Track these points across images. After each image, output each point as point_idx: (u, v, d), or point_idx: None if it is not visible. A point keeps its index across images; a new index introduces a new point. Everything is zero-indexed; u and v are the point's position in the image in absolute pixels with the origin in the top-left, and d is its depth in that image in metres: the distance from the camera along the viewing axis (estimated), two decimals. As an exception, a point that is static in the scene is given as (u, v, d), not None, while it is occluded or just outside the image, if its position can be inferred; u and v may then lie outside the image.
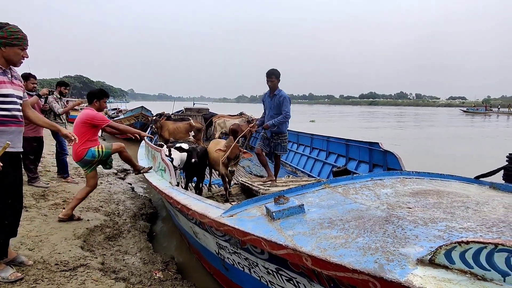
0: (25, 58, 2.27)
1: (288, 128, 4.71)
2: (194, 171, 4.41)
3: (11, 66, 2.24)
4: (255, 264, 1.83)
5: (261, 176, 6.21)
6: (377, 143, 4.32)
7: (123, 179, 6.60)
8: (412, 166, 3.90)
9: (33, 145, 4.54)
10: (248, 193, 4.72)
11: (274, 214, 1.48)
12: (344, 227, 1.30)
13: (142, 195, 5.40)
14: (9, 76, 2.19)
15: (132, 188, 5.80)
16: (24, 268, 2.42)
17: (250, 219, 1.59)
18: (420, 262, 0.96)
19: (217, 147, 4.27)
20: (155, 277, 2.89)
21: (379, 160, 4.23)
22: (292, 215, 1.50)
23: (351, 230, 1.27)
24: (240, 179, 5.53)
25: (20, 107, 2.26)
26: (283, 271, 1.59)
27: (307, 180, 4.75)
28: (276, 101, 4.42)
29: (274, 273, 1.67)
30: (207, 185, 5.03)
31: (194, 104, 15.24)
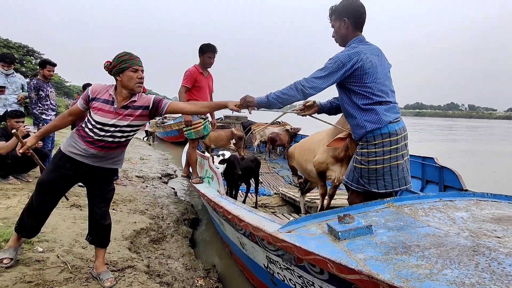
0: (142, 81, 2.14)
1: None
2: (236, 180, 4.38)
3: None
4: (311, 283, 1.73)
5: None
6: (432, 158, 4.03)
7: (166, 183, 6.81)
8: (472, 185, 3.58)
9: None
10: (290, 205, 4.63)
11: (339, 234, 1.38)
12: (424, 255, 1.18)
13: (184, 200, 5.50)
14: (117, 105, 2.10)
15: (175, 193, 5.94)
16: (77, 266, 2.52)
17: (311, 237, 1.51)
18: (537, 307, 0.82)
19: (326, 138, 3.01)
20: (197, 284, 2.89)
21: (434, 177, 3.94)
22: (359, 236, 1.39)
23: (434, 259, 1.14)
24: (280, 189, 5.45)
25: (118, 136, 2.16)
26: (344, 295, 1.48)
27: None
28: None
29: (333, 296, 1.56)
30: (245, 193, 4.90)
31: (233, 112, 15.44)
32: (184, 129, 3.85)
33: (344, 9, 2.20)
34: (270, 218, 1.93)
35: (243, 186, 4.98)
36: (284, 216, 3.61)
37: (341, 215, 1.47)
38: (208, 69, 3.95)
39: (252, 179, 4.68)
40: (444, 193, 1.95)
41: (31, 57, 25.44)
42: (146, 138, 14.88)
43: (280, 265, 2.00)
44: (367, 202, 1.81)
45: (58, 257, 2.54)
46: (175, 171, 7.94)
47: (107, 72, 2.18)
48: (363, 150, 2.17)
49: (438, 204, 1.79)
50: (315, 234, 1.53)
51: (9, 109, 4.19)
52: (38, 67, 4.81)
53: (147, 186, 5.91)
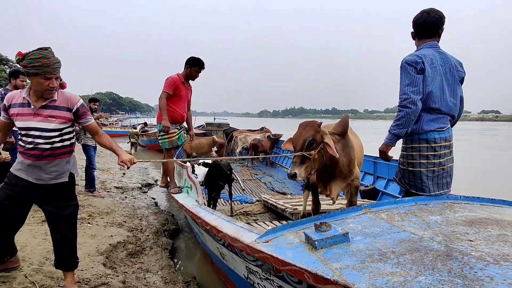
0: (53, 89, 2.00)
1: None
2: (216, 187, 4.29)
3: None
4: (290, 293, 1.70)
5: (284, 193, 6.06)
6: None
7: (146, 193, 6.63)
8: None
9: None
10: (272, 212, 4.59)
11: (316, 243, 1.36)
12: (399, 262, 1.17)
13: (165, 210, 5.37)
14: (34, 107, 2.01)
15: (156, 203, 5.79)
16: (46, 286, 2.38)
17: (288, 246, 1.47)
18: (507, 312, 0.82)
19: None
20: (176, 297, 2.80)
21: None
22: (336, 244, 1.37)
23: (408, 265, 1.13)
24: (262, 196, 5.42)
25: (46, 140, 2.03)
26: (323, 305, 1.45)
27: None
28: None
29: (312, 306, 1.53)
30: (229, 201, 4.83)
31: (214, 119, 15.39)
32: (159, 138, 3.78)
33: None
34: (248, 228, 1.88)
35: (225, 194, 4.90)
36: (265, 224, 3.56)
37: (317, 223, 1.45)
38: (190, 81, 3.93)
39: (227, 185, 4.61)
40: (419, 197, 1.97)
41: (5, 66, 24.50)
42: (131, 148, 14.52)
43: (260, 275, 1.96)
44: (344, 209, 1.80)
45: (26, 276, 2.40)
46: (156, 181, 7.76)
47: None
48: (403, 152, 2.33)
49: (414, 208, 1.81)
50: (293, 243, 1.50)
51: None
52: (9, 77, 4.60)
53: (126, 197, 5.74)
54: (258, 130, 10.96)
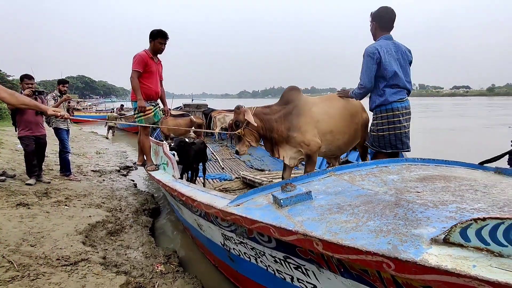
0: None
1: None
2: (190, 165, 4.29)
3: None
4: (262, 253, 1.82)
5: (262, 170, 6.20)
6: None
7: (125, 175, 6.59)
8: (417, 155, 3.89)
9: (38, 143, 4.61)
10: (251, 187, 4.72)
11: (281, 201, 1.47)
12: (354, 212, 1.29)
13: (144, 191, 5.38)
14: None
15: (135, 185, 5.79)
16: (25, 264, 2.40)
17: (257, 208, 1.58)
18: (434, 241, 0.95)
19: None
20: (157, 270, 2.89)
21: None
22: (300, 202, 1.48)
23: (361, 214, 1.26)
24: (241, 173, 5.52)
25: None
26: (291, 259, 1.58)
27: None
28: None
29: (282, 262, 1.66)
30: (202, 178, 4.87)
31: (192, 100, 15.17)
32: (136, 116, 3.75)
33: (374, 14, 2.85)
34: (222, 196, 1.97)
35: (212, 173, 4.95)
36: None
37: (283, 185, 1.55)
38: (158, 55, 3.85)
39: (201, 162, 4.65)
40: (381, 160, 2.12)
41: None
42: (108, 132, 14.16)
43: (234, 240, 2.07)
44: (310, 173, 1.92)
45: (3, 257, 2.41)
46: (134, 163, 7.70)
47: None
48: (375, 121, 2.83)
49: (375, 170, 1.95)
50: (262, 205, 1.61)
51: None
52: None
53: (104, 180, 5.69)
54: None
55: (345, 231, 1.14)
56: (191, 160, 4.08)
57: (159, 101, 3.94)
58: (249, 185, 4.84)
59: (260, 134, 3.15)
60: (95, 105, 34.18)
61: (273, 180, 3.95)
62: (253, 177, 4.56)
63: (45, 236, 2.98)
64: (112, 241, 3.32)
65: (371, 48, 2.70)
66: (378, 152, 2.86)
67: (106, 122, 14.36)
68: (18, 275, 2.20)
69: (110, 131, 14.08)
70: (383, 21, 2.80)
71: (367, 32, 3.01)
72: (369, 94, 2.89)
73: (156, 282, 2.59)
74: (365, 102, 3.14)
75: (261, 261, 1.90)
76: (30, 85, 4.66)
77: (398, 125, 2.73)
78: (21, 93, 4.54)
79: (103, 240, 3.25)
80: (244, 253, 2.06)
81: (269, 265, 1.84)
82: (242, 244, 2.00)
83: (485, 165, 2.12)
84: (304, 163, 3.23)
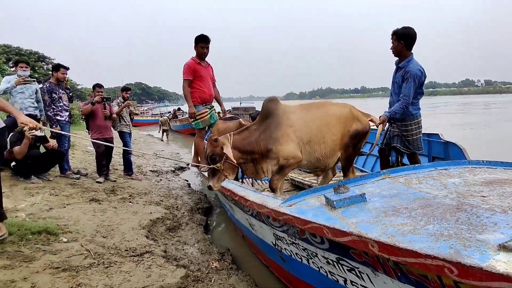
0: None
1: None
2: None
3: None
4: (314, 254, 1.84)
5: (311, 172, 6.16)
6: (437, 134, 4.04)
7: (179, 176, 7.01)
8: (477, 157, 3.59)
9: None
10: (299, 189, 4.73)
11: (334, 203, 1.48)
12: (411, 215, 1.26)
13: (197, 191, 5.68)
14: None
15: (189, 185, 6.13)
16: (99, 253, 2.70)
17: (309, 209, 1.61)
18: (503, 248, 0.90)
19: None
20: (212, 266, 3.05)
21: (440, 153, 3.96)
22: (353, 204, 1.49)
23: (419, 217, 1.23)
24: (289, 175, 5.55)
25: None
26: (344, 261, 1.59)
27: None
28: (400, 76, 3.17)
29: (335, 263, 1.67)
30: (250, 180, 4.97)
31: (240, 103, 15.58)
32: (192, 121, 3.99)
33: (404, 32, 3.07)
34: (273, 196, 2.04)
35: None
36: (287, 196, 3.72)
37: (336, 186, 1.56)
38: (206, 59, 4.05)
39: None
40: (440, 163, 2.01)
41: (42, 63, 26.09)
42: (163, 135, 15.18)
43: (286, 240, 2.12)
44: (363, 175, 1.90)
45: (82, 245, 2.74)
46: (187, 164, 8.13)
47: None
48: (404, 128, 3.25)
49: (433, 172, 1.86)
50: (314, 206, 1.64)
51: (25, 113, 4.40)
52: (51, 71, 5.04)
53: (161, 180, 6.12)
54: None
55: (402, 233, 1.13)
56: None
57: (214, 103, 4.16)
58: (298, 187, 4.85)
59: (240, 163, 2.96)
60: (150, 110, 36.65)
61: (312, 181, 3.92)
62: (302, 179, 4.56)
63: (114, 229, 3.32)
64: (171, 237, 3.58)
65: (418, 72, 3.04)
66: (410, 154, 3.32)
67: (160, 125, 15.36)
68: (94, 262, 2.49)
69: (165, 134, 15.02)
70: (412, 41, 3.06)
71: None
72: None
73: (212, 277, 2.74)
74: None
75: (313, 262, 1.93)
76: (100, 93, 5.20)
77: (419, 130, 3.27)
78: (93, 99, 5.11)
79: (163, 235, 3.52)
80: (296, 253, 2.10)
81: (321, 267, 1.85)
82: (294, 245, 2.04)
83: None
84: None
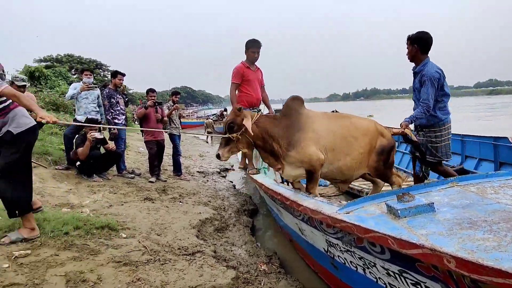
0: None
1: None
2: None
3: None
4: (372, 264, 1.75)
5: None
6: (505, 138, 3.66)
7: (224, 177, 7.17)
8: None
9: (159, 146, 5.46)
10: (347, 194, 4.57)
11: (399, 212, 1.40)
12: (492, 229, 1.14)
13: (243, 193, 5.76)
14: None
15: (234, 186, 6.24)
16: (155, 250, 2.84)
17: (369, 217, 1.54)
18: None
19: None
20: (260, 269, 3.05)
21: (509, 158, 3.58)
22: (420, 214, 1.39)
23: (503, 232, 1.11)
24: (336, 179, 5.39)
25: None
26: (408, 274, 1.49)
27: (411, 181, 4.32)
28: (417, 81, 3.11)
29: (397, 276, 1.57)
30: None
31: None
32: None
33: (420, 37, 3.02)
34: (327, 202, 1.98)
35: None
36: (338, 202, 3.61)
37: (400, 194, 1.48)
38: (255, 63, 4.09)
39: None
40: (518, 171, 1.81)
41: (100, 70, 28.36)
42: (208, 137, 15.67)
43: (340, 247, 2.05)
44: (428, 183, 1.77)
45: (139, 242, 2.90)
46: (232, 166, 8.29)
47: None
48: (432, 134, 3.05)
49: (511, 181, 1.68)
50: (374, 214, 1.56)
51: (88, 117, 4.81)
52: (110, 77, 5.47)
53: (207, 181, 6.31)
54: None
55: (484, 250, 1.02)
56: None
57: (261, 106, 4.19)
58: (345, 192, 4.69)
59: (257, 144, 2.83)
60: (195, 112, 38.05)
61: (362, 186, 3.74)
62: (350, 184, 4.40)
63: (167, 228, 3.47)
64: (219, 237, 3.65)
65: (436, 75, 2.93)
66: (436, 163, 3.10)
67: (205, 127, 15.84)
68: (151, 259, 2.62)
69: (209, 136, 15.47)
70: (426, 44, 3.01)
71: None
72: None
73: (262, 280, 2.74)
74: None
75: (370, 272, 1.84)
76: (153, 97, 5.50)
77: (448, 136, 3.10)
78: (145, 103, 5.43)
79: (212, 236, 3.61)
80: (351, 261, 2.02)
81: (379, 277, 1.76)
82: (349, 253, 1.97)
83: None
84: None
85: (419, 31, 3.05)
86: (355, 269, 2.00)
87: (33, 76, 11.24)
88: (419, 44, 3.01)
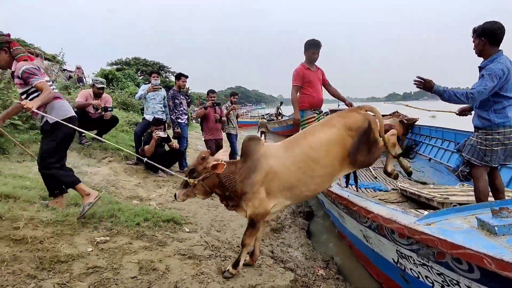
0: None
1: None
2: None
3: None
4: (455, 282, 1.58)
5: (424, 183, 5.47)
6: None
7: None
8: None
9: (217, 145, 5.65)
10: (412, 201, 4.25)
11: (496, 228, 1.23)
12: None
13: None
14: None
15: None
16: (216, 246, 2.91)
17: (456, 231, 1.38)
18: None
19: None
20: (318, 273, 2.96)
21: None
22: (523, 232, 1.21)
23: None
24: (399, 184, 5.04)
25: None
26: (503, 299, 1.31)
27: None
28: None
29: (488, 299, 1.40)
30: (353, 187, 4.61)
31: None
32: (301, 125, 4.01)
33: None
34: (401, 211, 1.84)
35: (364, 182, 4.81)
36: (411, 211, 3.35)
37: (496, 209, 1.30)
38: (315, 63, 4.00)
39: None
40: None
41: (162, 72, 30.34)
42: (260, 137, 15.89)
43: (414, 260, 1.89)
44: (528, 196, 1.54)
45: (201, 237, 3.01)
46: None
47: None
48: (484, 136, 2.74)
49: None
50: (461, 228, 1.40)
51: (156, 116, 5.15)
52: (174, 79, 5.81)
53: (262, 180, 6.35)
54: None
55: None
56: None
57: (322, 108, 4.10)
58: (409, 199, 4.36)
59: (216, 192, 2.58)
60: (249, 112, 38.74)
61: (449, 197, 3.41)
62: (417, 191, 4.07)
63: (226, 225, 3.56)
64: (276, 238, 3.64)
65: (499, 71, 2.53)
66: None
67: (259, 127, 16.05)
68: (212, 254, 2.70)
69: (263, 135, 15.62)
70: (495, 36, 2.64)
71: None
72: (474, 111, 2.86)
73: (320, 285, 2.66)
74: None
75: (450, 291, 1.66)
76: (213, 98, 5.71)
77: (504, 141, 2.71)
78: (204, 103, 5.66)
79: (268, 236, 3.61)
80: (426, 276, 1.85)
81: (462, 298, 1.58)
82: (425, 267, 1.80)
83: None
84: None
85: (487, 21, 2.69)
86: (431, 285, 1.83)
87: (107, 78, 12.43)
88: (487, 37, 2.64)
